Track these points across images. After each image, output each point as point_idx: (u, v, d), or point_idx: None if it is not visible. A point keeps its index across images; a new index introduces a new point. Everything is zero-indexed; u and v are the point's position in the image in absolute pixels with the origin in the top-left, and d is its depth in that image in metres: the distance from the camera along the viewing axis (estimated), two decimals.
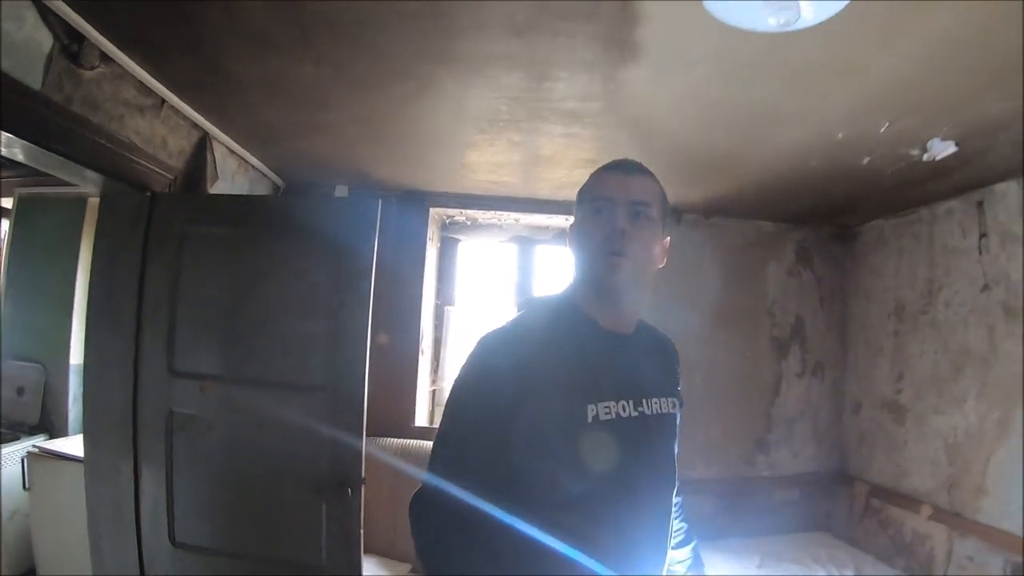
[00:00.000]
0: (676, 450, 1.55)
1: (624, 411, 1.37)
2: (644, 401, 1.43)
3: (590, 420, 1.32)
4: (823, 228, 4.69)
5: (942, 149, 2.89)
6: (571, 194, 4.79)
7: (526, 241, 4.80)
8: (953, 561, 3.41)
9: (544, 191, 4.10)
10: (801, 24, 1.72)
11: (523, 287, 4.74)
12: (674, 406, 1.53)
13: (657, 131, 2.95)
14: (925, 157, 2.97)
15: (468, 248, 4.91)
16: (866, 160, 3.11)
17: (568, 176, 3.67)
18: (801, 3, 1.65)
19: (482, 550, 1.28)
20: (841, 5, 1.69)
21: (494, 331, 1.43)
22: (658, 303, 4.49)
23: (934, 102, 2.45)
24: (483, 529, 1.28)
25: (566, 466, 1.30)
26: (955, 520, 3.43)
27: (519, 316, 1.48)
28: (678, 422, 1.57)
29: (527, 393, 1.30)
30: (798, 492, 4.43)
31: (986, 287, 3.42)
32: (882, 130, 2.70)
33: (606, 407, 1.35)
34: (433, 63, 2.28)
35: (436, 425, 4.98)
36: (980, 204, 3.48)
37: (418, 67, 2.32)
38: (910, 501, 3.77)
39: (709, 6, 1.72)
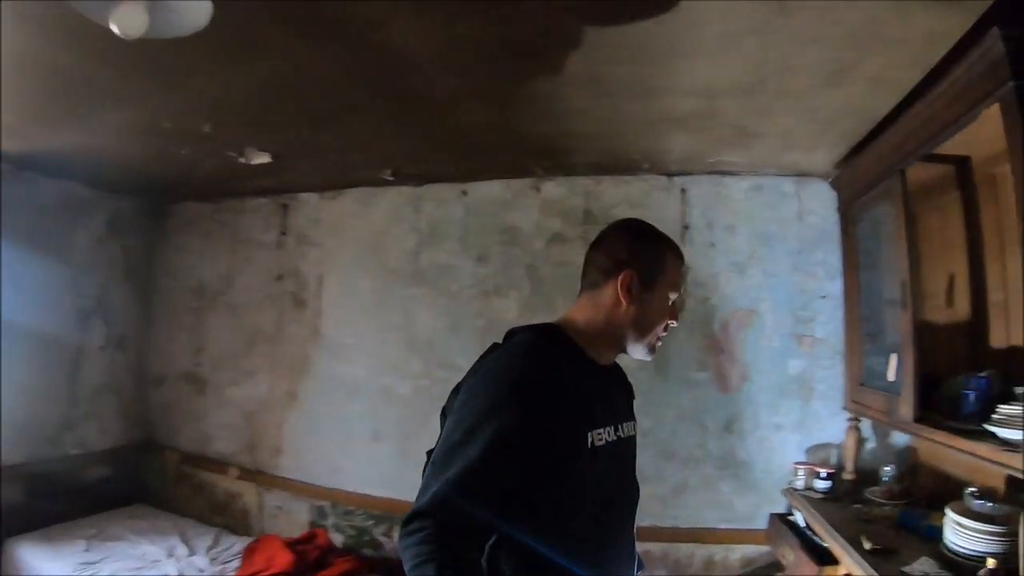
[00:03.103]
0: None
1: (610, 436, 1.47)
2: (620, 426, 1.53)
3: (590, 446, 1.39)
4: (137, 200, 4.46)
5: (256, 157, 3.42)
6: None
7: None
8: (265, 512, 4.00)
9: None
10: (150, 35, 1.77)
11: None
12: (634, 428, 1.64)
13: None
14: (241, 160, 3.43)
15: None
16: (185, 150, 3.37)
17: None
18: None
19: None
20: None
21: (512, 359, 1.41)
22: None
23: (256, 120, 3.01)
24: (483, 554, 1.31)
25: (573, 488, 1.37)
26: (260, 477, 4.05)
27: (528, 344, 1.46)
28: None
29: (546, 422, 1.32)
30: (110, 467, 4.22)
31: (280, 277, 4.05)
32: (205, 129, 3.05)
33: (599, 433, 1.43)
34: None
35: None
36: (285, 207, 4.08)
37: None
38: (218, 464, 4.17)
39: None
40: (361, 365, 3.89)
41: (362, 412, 3.86)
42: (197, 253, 4.46)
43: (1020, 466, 1.76)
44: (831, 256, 3.44)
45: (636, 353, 1.57)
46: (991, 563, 1.89)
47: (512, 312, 3.69)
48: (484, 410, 1.32)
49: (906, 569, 2.14)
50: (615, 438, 1.49)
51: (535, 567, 1.33)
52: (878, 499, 2.95)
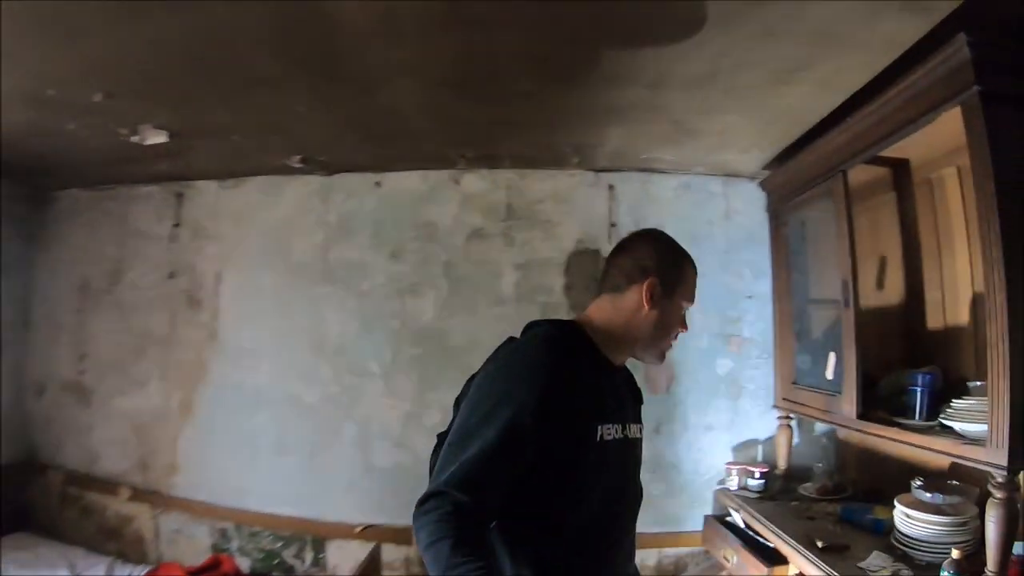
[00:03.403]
0: None
1: (618, 434, 1.53)
2: (628, 426, 1.59)
3: (599, 439, 1.46)
4: (13, 185, 3.84)
5: (151, 135, 3.03)
6: None
7: None
8: (162, 537, 3.63)
9: None
10: None
11: None
12: (641, 432, 1.70)
13: None
14: (135, 138, 3.04)
15: None
16: (71, 125, 2.94)
17: None
18: None
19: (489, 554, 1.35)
20: None
21: (532, 345, 1.50)
22: None
23: (154, 92, 2.64)
24: (496, 533, 1.41)
25: (580, 477, 1.43)
26: (155, 498, 3.64)
27: (548, 334, 1.53)
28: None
29: (562, 409, 1.39)
30: None
31: (172, 275, 3.68)
32: (95, 99, 2.65)
33: (608, 428, 1.49)
34: None
35: None
36: (180, 195, 3.70)
37: None
38: (107, 484, 3.72)
39: None
40: (264, 372, 3.57)
41: (266, 424, 3.54)
42: (81, 247, 3.93)
43: (983, 458, 1.83)
44: (757, 256, 3.47)
45: (647, 357, 1.64)
46: (956, 553, 1.91)
47: (428, 313, 3.48)
48: (500, 395, 1.38)
49: (862, 565, 2.17)
50: (622, 436, 1.55)
51: (534, 553, 1.40)
52: (813, 495, 3.01)
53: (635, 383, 1.79)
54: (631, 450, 1.62)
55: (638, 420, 1.70)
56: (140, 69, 2.36)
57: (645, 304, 1.56)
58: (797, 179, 3.02)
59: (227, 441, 3.58)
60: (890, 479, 2.68)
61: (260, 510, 3.50)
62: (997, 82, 1.82)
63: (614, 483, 1.51)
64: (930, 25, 1.92)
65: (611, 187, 3.48)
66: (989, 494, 1.87)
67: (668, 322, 1.59)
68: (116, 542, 3.69)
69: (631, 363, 1.70)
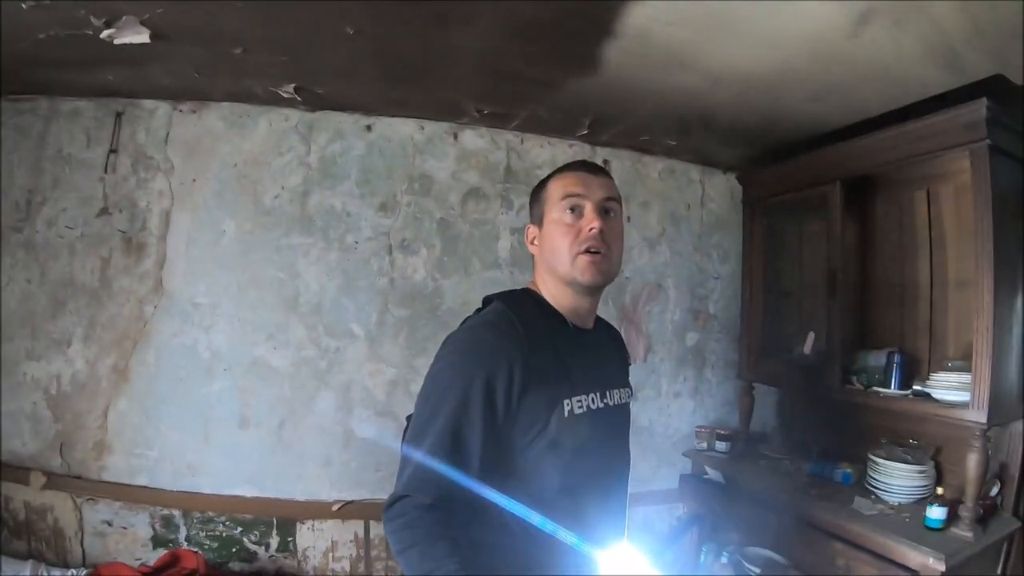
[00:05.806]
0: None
1: (593, 403, 1.46)
2: (607, 393, 1.53)
3: (566, 414, 1.39)
4: None
5: (131, 34, 2.34)
6: None
7: None
8: (88, 530, 2.96)
9: None
10: None
11: None
12: (628, 396, 1.64)
13: None
14: (107, 33, 2.33)
15: None
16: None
17: None
18: None
19: (462, 552, 1.26)
20: None
21: (477, 327, 1.45)
22: None
23: None
24: (466, 528, 1.32)
25: (547, 457, 1.37)
26: (78, 484, 2.96)
27: (495, 311, 1.46)
28: (631, 410, 1.67)
29: (514, 389, 1.34)
30: None
31: (106, 211, 3.00)
32: None
33: (579, 401, 1.43)
34: None
35: None
36: (119, 115, 3.02)
37: None
38: (16, 471, 2.94)
39: None
40: (222, 332, 3.05)
41: (224, 392, 3.04)
42: None
43: (967, 418, 2.41)
44: (725, 241, 3.87)
45: (581, 279, 1.46)
46: (940, 491, 2.48)
47: (420, 272, 3.24)
48: (447, 385, 1.35)
49: (854, 507, 2.65)
50: (601, 405, 1.49)
51: (508, 537, 1.36)
52: (777, 455, 3.42)
53: (622, 346, 1.78)
54: (615, 418, 1.57)
55: (623, 384, 1.64)
56: None
57: (533, 253, 1.56)
58: (786, 180, 3.38)
59: (174, 413, 3.01)
60: (845, 440, 3.23)
61: (215, 492, 3.01)
62: (1001, 138, 2.41)
63: (590, 454, 1.43)
64: (959, 83, 2.44)
65: (606, 162, 3.54)
66: (940, 450, 2.78)
67: (551, 243, 1.48)
68: (27, 540, 2.92)
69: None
